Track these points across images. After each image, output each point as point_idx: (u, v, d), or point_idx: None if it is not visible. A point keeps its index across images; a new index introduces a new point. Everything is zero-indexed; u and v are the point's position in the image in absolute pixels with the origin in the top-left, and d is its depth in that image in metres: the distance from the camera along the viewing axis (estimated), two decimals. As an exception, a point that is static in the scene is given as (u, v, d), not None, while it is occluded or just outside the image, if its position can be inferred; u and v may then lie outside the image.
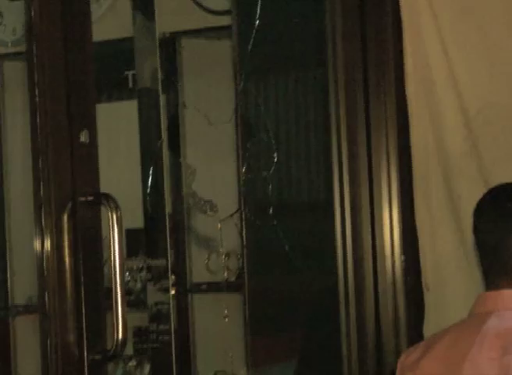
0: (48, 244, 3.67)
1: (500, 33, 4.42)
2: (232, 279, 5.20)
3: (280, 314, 4.76)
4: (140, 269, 5.24)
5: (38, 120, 3.68)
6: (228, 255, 5.24)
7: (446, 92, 4.32)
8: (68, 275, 3.71)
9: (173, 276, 5.19)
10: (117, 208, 3.58)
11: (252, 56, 4.57)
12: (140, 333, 5.18)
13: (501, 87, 4.28)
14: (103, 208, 3.68)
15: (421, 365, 3.06)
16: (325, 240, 4.26)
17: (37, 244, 3.65)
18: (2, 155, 5.55)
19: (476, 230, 3.16)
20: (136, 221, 5.07)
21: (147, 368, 5.27)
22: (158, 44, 5.03)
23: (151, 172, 5.12)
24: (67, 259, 3.68)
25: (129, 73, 5.10)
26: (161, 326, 5.22)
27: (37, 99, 3.69)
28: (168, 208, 5.20)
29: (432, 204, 4.20)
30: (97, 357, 3.62)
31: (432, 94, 4.29)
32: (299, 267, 4.54)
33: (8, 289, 5.59)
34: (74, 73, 3.78)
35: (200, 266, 5.39)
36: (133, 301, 5.02)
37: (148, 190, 5.14)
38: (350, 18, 4.30)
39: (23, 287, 5.15)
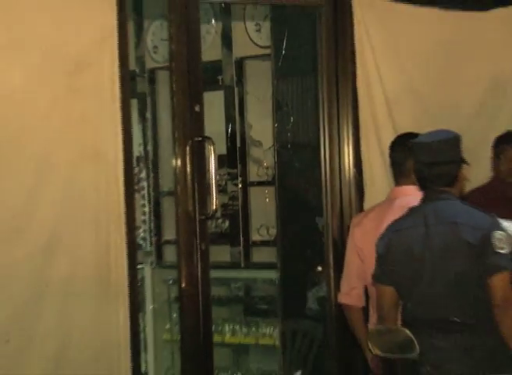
0: (178, 162, 3.90)
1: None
2: (270, 179, 5.16)
3: (293, 201, 4.81)
4: (224, 174, 5.28)
5: (175, 99, 3.96)
6: (267, 168, 5.26)
7: (376, 88, 4.26)
8: (189, 178, 3.90)
9: (240, 178, 5.27)
10: (213, 144, 3.88)
11: (281, 69, 4.79)
12: (224, 206, 5.23)
13: (405, 86, 4.30)
14: (207, 145, 3.90)
15: (363, 222, 3.65)
16: (316, 161, 4.31)
17: (174, 163, 3.95)
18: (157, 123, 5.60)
19: (391, 156, 3.65)
20: (222, 150, 5.19)
21: (227, 224, 5.31)
22: (233, 63, 5.22)
23: (229, 127, 5.33)
24: (188, 171, 3.91)
25: (220, 77, 5.19)
26: (235, 203, 5.28)
27: (174, 87, 3.94)
28: (238, 144, 5.33)
29: (369, 142, 4.14)
30: (203, 217, 3.86)
31: (369, 87, 4.22)
32: (304, 174, 4.65)
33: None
34: (194, 78, 3.96)
35: (254, 172, 5.34)
36: (221, 190, 5.04)
37: (229, 136, 5.33)
38: (329, 50, 4.22)
39: (168, 180, 5.15)
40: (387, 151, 3.70)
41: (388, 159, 3.67)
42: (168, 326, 5.10)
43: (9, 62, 3.28)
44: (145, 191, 5.17)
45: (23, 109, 3.30)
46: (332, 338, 4.08)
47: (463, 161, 3.09)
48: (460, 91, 4.28)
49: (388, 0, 4.08)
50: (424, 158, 3.06)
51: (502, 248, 2.89)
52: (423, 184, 3.09)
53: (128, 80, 3.63)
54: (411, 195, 3.26)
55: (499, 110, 4.19)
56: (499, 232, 2.91)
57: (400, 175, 3.46)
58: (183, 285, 3.81)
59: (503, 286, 2.90)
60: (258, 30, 4.87)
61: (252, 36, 4.93)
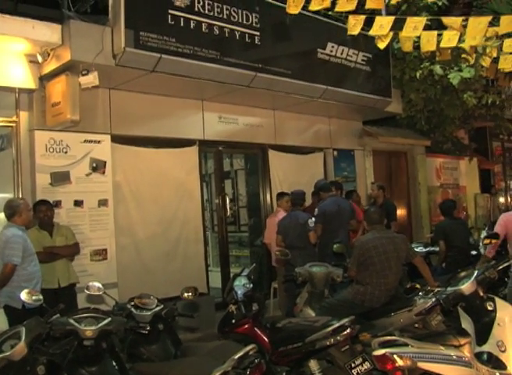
0: (217, 200, 3.66)
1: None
2: (245, 205, 4.53)
3: (252, 212, 4.27)
4: (231, 204, 4.42)
5: (215, 182, 3.72)
6: (244, 202, 4.55)
7: (276, 179, 3.99)
8: (220, 205, 3.66)
9: (236, 205, 4.60)
10: (228, 195, 3.84)
11: (248, 174, 4.39)
12: (232, 214, 4.46)
13: (281, 178, 4.16)
14: (226, 196, 3.79)
15: (271, 218, 3.36)
16: (259, 200, 4.02)
17: (216, 201, 3.74)
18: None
19: (277, 198, 3.50)
20: (230, 196, 4.48)
21: (232, 219, 4.52)
22: (234, 171, 4.65)
23: (234, 191, 4.63)
24: (220, 203, 3.58)
25: (230, 175, 4.66)
26: (234, 213, 4.66)
27: (215, 179, 3.75)
28: (236, 195, 4.59)
29: (273, 193, 3.98)
30: (224, 217, 3.65)
31: (274, 180, 3.96)
32: (255, 204, 4.20)
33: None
34: (221, 176, 3.75)
35: (240, 203, 4.66)
36: (230, 208, 4.22)
37: (233, 193, 4.60)
38: (262, 168, 4.08)
39: (214, 206, 4.22)
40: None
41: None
42: (215, 250, 4.37)
43: (171, 172, 3.51)
44: (216, 209, 4.10)
45: (173, 185, 3.54)
46: (264, 253, 4.05)
47: (304, 200, 3.45)
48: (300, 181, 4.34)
49: (280, 152, 4.25)
50: (295, 197, 3.24)
51: (311, 223, 3.13)
52: (293, 206, 3.22)
53: (201, 178, 3.77)
54: (287, 210, 3.49)
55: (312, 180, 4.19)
56: (311, 219, 3.18)
57: (279, 204, 3.51)
58: (219, 237, 3.96)
59: (309, 236, 3.05)
60: (241, 162, 4.67)
61: (240, 164, 4.73)
